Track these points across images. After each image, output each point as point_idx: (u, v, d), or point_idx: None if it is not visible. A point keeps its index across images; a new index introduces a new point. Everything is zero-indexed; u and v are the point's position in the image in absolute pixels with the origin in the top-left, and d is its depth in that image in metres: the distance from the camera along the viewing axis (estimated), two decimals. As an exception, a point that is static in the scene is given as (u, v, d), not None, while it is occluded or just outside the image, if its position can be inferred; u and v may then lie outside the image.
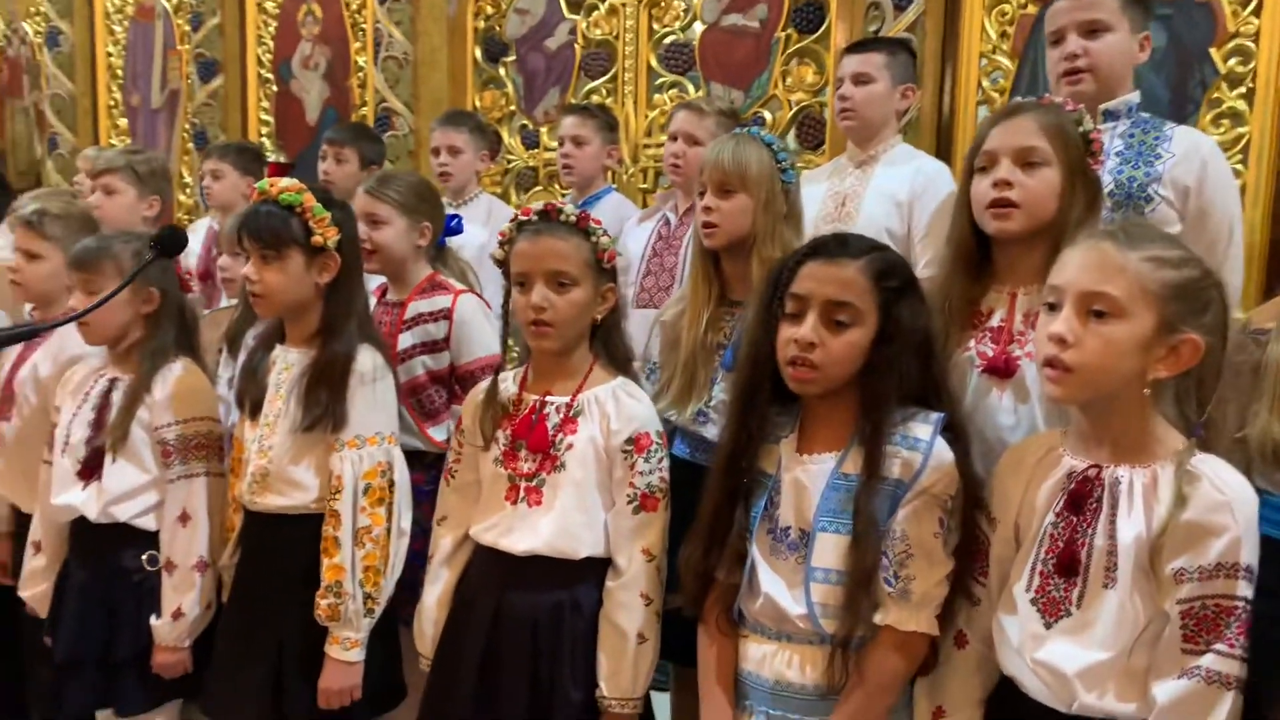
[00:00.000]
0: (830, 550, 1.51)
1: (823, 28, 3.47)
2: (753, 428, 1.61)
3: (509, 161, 4.25)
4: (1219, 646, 1.29)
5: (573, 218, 1.78)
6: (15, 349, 2.45)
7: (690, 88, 3.78)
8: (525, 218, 1.80)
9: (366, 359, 2.00)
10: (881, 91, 2.66)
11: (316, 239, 1.97)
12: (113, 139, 5.67)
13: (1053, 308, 1.41)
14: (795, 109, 3.56)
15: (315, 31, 4.72)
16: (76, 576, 2.19)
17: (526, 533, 1.77)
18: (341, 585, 1.92)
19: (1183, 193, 2.08)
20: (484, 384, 1.90)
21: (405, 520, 2.02)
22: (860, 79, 2.66)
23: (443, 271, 2.47)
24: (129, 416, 2.14)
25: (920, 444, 1.50)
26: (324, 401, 1.96)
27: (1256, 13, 2.62)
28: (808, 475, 1.56)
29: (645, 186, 3.87)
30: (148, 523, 2.16)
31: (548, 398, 1.82)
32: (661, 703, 2.38)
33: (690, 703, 1.69)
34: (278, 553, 2.02)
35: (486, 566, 1.83)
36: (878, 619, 1.49)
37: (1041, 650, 1.38)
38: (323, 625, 1.94)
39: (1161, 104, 2.70)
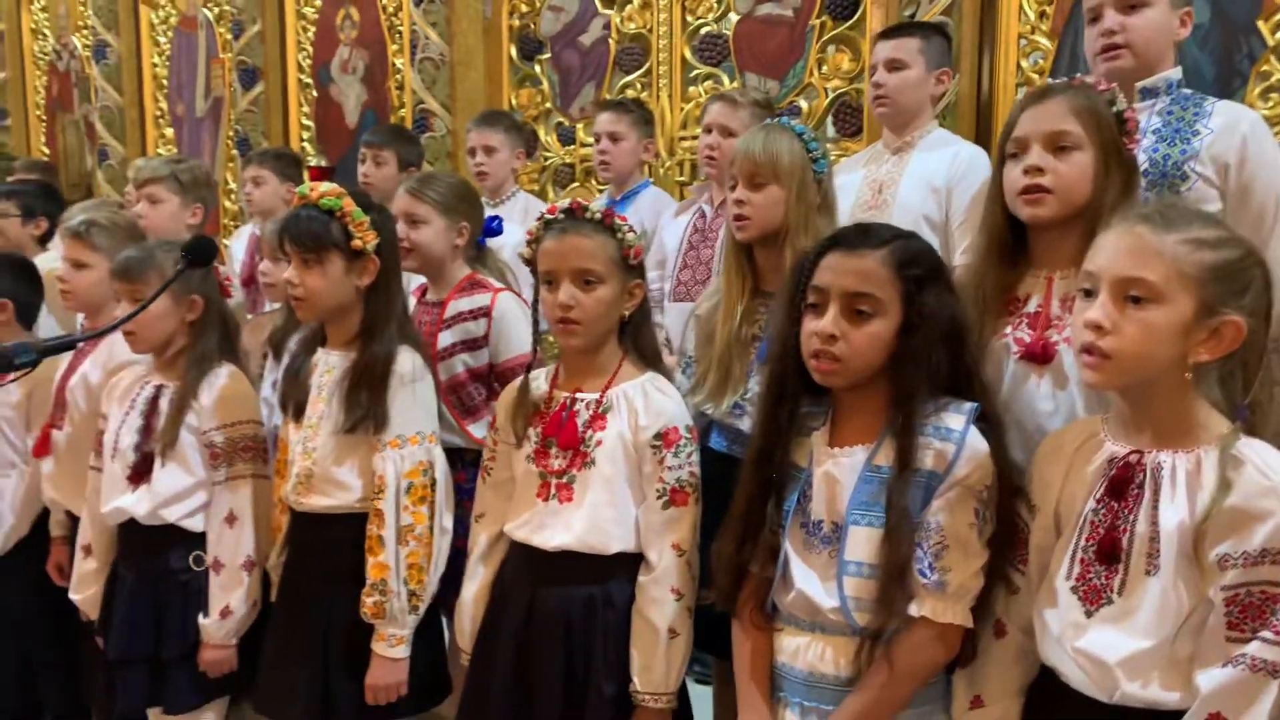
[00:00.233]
0: (863, 543, 1.50)
1: (858, 14, 3.44)
2: (782, 421, 1.60)
3: (546, 159, 4.26)
4: (1265, 634, 1.26)
5: (598, 215, 1.78)
6: (65, 358, 2.51)
7: (725, 79, 3.77)
8: (551, 216, 1.81)
9: (406, 360, 2.03)
10: (916, 77, 2.63)
11: (356, 243, 1.99)
12: (159, 148, 5.77)
13: (1089, 293, 1.38)
14: (832, 97, 3.53)
15: (353, 35, 4.77)
16: (126, 578, 2.24)
17: (558, 529, 1.78)
18: (386, 583, 1.95)
19: (1222, 170, 2.02)
20: (516, 382, 1.92)
21: (447, 518, 2.05)
22: (894, 65, 2.63)
23: (482, 272, 2.50)
24: (177, 422, 2.19)
25: (953, 434, 1.48)
26: (365, 403, 1.98)
27: (1305, -18, 2.56)
28: (839, 468, 1.55)
29: (682, 179, 3.86)
30: (195, 524, 2.21)
31: (578, 395, 1.83)
32: (705, 695, 2.39)
33: (732, 695, 1.69)
34: (323, 552, 2.05)
35: (520, 563, 1.85)
36: (913, 610, 1.47)
37: (1082, 639, 1.36)
38: (369, 623, 1.97)
39: (1207, 80, 2.65)
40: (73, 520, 2.49)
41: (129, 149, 5.85)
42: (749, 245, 2.07)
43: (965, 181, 2.51)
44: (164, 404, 2.22)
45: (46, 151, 6.57)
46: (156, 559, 2.21)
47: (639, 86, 3.98)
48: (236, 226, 5.03)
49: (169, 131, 5.83)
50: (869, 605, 1.48)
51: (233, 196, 5.37)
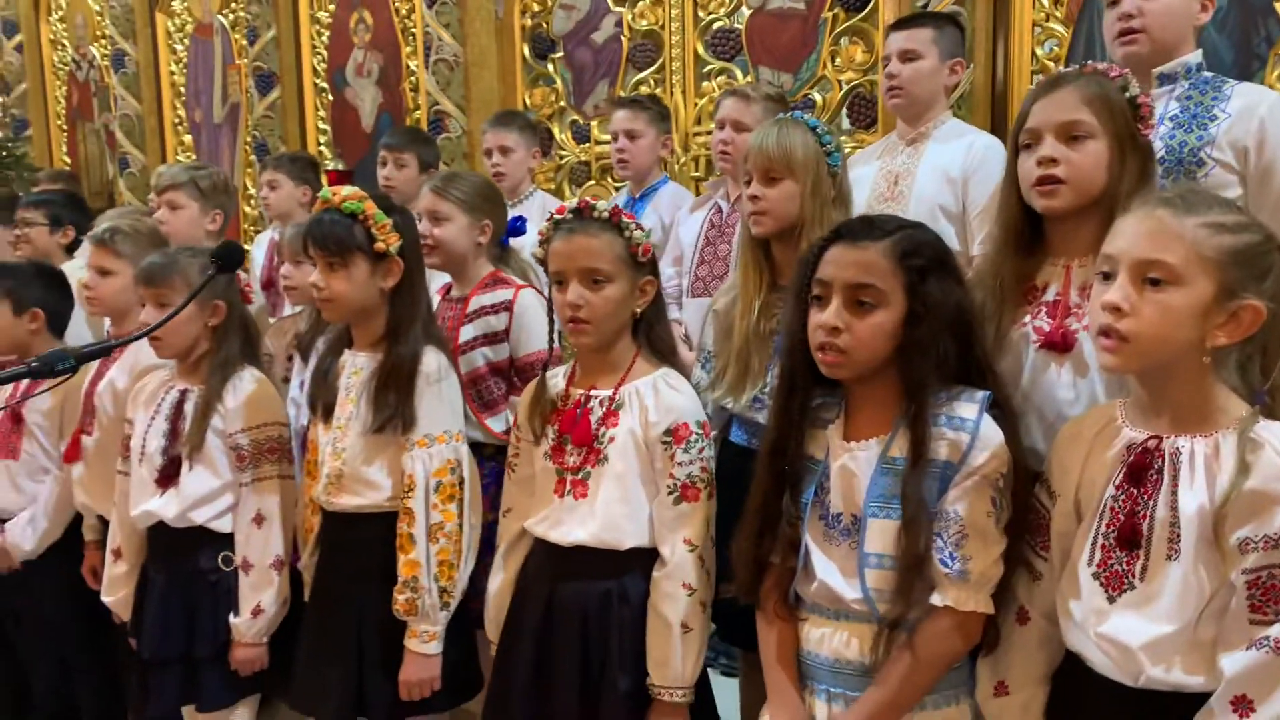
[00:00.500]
0: (881, 536, 1.50)
1: (870, 5, 3.44)
2: (794, 414, 1.60)
3: (561, 158, 4.28)
4: (1288, 616, 1.26)
5: (605, 214, 1.79)
6: (93, 364, 2.55)
7: (738, 73, 3.78)
8: (560, 216, 1.82)
9: (432, 360, 2.05)
10: (929, 68, 2.63)
11: (379, 245, 2.02)
12: (179, 155, 5.83)
13: (1107, 277, 1.38)
14: (846, 89, 3.53)
15: (367, 39, 4.80)
16: (156, 580, 2.28)
17: (573, 525, 1.80)
18: (418, 580, 1.98)
19: (1241, 154, 2.00)
20: (534, 381, 1.94)
21: (475, 515, 2.08)
22: (907, 55, 2.64)
23: (506, 270, 2.53)
24: (204, 426, 2.22)
25: (966, 424, 1.48)
26: (393, 403, 2.01)
27: (1322, -37, 2.54)
28: (855, 461, 1.55)
29: (698, 175, 3.87)
30: (223, 525, 2.25)
31: (592, 392, 1.84)
32: (732, 687, 2.41)
33: (760, 688, 1.70)
34: (355, 551, 2.08)
35: (540, 558, 1.87)
36: (936, 600, 1.48)
37: (1105, 624, 1.37)
38: (401, 619, 2.00)
39: (1225, 63, 2.63)
40: (105, 524, 2.52)
41: (149, 156, 5.91)
42: (765, 240, 2.07)
43: (981, 171, 2.51)
44: (189, 408, 2.26)
45: (68, 161, 6.64)
46: (186, 560, 2.25)
47: (652, 83, 3.99)
48: (257, 232, 5.08)
49: (188, 138, 5.88)
50: (891, 596, 1.49)
51: (252, 202, 5.42)
